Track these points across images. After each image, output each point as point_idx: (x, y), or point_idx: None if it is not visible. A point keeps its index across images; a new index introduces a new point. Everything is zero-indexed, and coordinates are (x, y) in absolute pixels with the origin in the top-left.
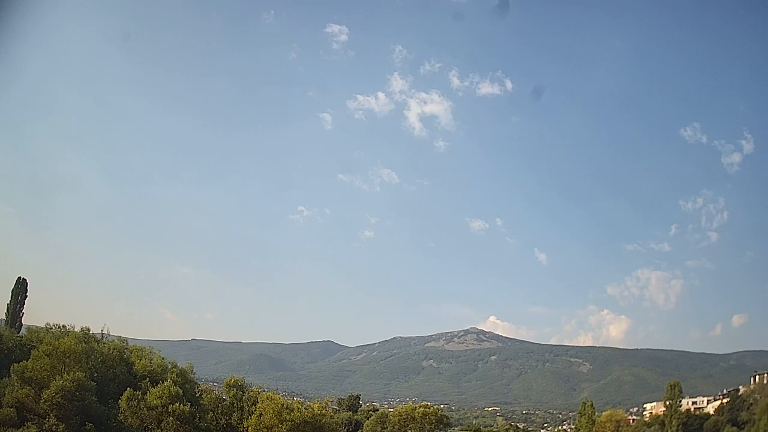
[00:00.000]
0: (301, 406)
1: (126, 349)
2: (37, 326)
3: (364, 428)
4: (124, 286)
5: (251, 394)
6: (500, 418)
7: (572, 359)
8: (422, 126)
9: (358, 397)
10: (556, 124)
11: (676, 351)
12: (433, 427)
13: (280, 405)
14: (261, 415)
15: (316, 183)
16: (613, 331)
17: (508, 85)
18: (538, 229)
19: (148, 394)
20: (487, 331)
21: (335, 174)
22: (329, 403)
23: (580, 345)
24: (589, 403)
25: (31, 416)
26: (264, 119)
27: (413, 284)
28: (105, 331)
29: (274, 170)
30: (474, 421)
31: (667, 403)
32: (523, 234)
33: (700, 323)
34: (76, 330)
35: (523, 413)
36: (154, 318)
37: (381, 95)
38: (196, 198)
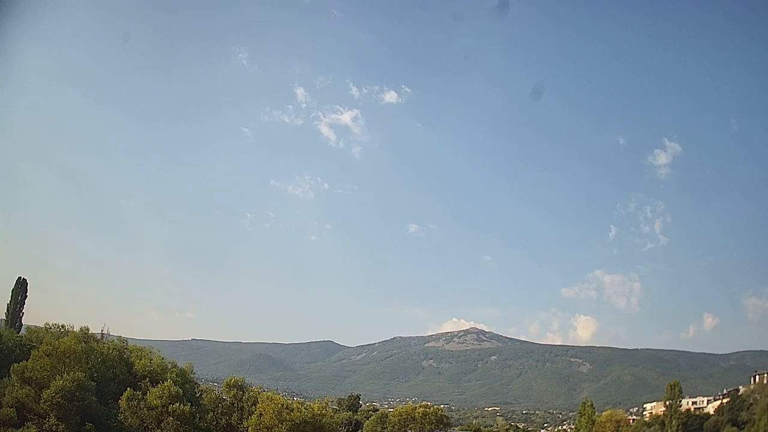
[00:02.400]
0: (301, 406)
1: (126, 349)
2: (37, 326)
3: (364, 428)
4: (124, 286)
5: (251, 394)
6: (500, 418)
7: (572, 359)
8: (336, 135)
9: (358, 397)
10: (457, 132)
11: (676, 351)
12: (433, 427)
13: (280, 405)
14: (261, 415)
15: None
16: (581, 332)
17: (409, 92)
18: (473, 233)
19: (148, 394)
20: (487, 331)
21: (268, 180)
22: (329, 403)
23: (581, 345)
24: (589, 403)
25: (31, 416)
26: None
27: (366, 286)
28: (105, 331)
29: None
30: (474, 421)
31: (667, 403)
32: (462, 237)
33: (670, 324)
34: (75, 330)
35: (523, 413)
36: (154, 318)
37: (290, 108)
38: (198, 197)
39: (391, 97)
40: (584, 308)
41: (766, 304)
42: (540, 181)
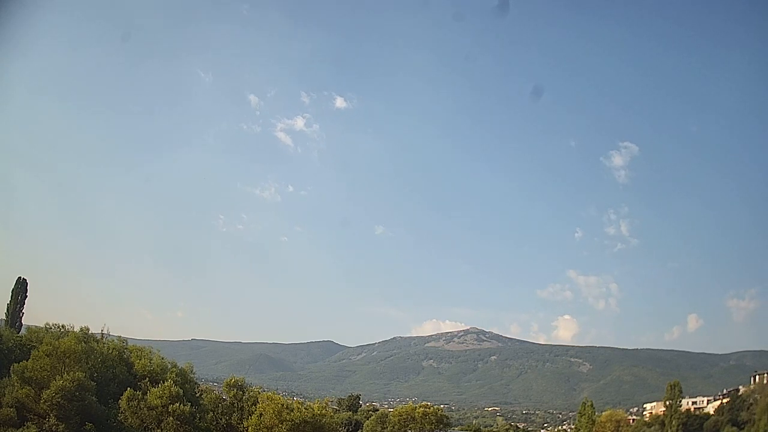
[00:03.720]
0: (301, 406)
1: (126, 349)
2: (37, 326)
3: (364, 428)
4: (121, 287)
5: (251, 394)
6: (500, 418)
7: (572, 359)
8: (293, 141)
9: (358, 397)
10: (405, 136)
11: (676, 351)
12: (433, 427)
13: (280, 405)
14: (261, 415)
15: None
16: (562, 332)
17: (356, 98)
18: (438, 233)
19: (148, 394)
20: (486, 331)
21: (235, 183)
22: (329, 403)
23: (581, 345)
24: (589, 403)
25: (31, 416)
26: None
27: (341, 288)
28: (105, 331)
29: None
30: (474, 421)
31: (667, 403)
32: (427, 238)
33: (653, 325)
34: (75, 330)
35: (523, 413)
36: (153, 318)
37: (246, 116)
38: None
39: (340, 102)
40: (562, 309)
41: (749, 305)
42: (498, 184)
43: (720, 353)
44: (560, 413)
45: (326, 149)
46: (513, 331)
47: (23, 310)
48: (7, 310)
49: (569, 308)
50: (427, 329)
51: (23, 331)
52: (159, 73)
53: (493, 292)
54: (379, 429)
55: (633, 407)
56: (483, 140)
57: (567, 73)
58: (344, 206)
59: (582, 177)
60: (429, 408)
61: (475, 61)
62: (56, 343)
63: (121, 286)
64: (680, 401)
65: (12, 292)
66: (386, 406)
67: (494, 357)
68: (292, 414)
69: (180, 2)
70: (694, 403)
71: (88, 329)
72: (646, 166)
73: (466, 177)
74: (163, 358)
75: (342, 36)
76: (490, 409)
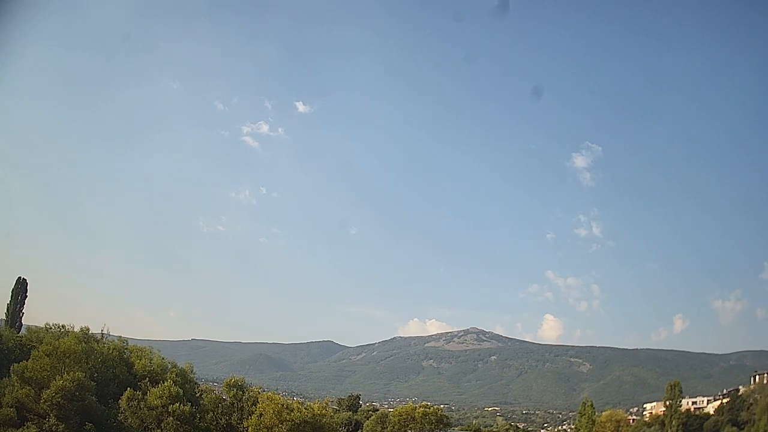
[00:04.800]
0: (301, 406)
1: (126, 349)
2: (37, 326)
3: (364, 428)
4: (123, 286)
5: (251, 394)
6: (500, 418)
7: (572, 359)
8: (261, 145)
9: (358, 397)
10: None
11: (676, 351)
12: (433, 427)
13: (280, 405)
14: (261, 415)
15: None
16: (547, 332)
17: (317, 102)
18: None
19: (148, 394)
20: (486, 330)
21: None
22: (329, 403)
23: (581, 345)
24: (589, 403)
25: (31, 416)
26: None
27: (319, 287)
28: (105, 331)
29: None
30: (474, 421)
31: (667, 403)
32: (398, 238)
33: (639, 326)
34: (75, 330)
35: (523, 413)
36: (153, 318)
37: (213, 122)
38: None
39: (302, 107)
40: (544, 309)
41: (736, 306)
42: (470, 182)
43: (720, 353)
44: (560, 413)
45: (294, 152)
46: (498, 330)
47: (23, 310)
48: (7, 310)
49: (551, 308)
50: (413, 330)
51: (23, 331)
52: (133, 82)
53: (473, 292)
54: (379, 429)
55: (633, 407)
56: (456, 138)
57: (569, 73)
58: (319, 206)
59: (546, 180)
60: (429, 408)
61: (475, 61)
62: (56, 343)
63: (112, 287)
64: (680, 401)
65: (12, 292)
66: (386, 406)
67: (494, 357)
68: (292, 414)
69: (145, 21)
70: (694, 403)
71: (88, 329)
72: (609, 168)
73: (439, 174)
74: (163, 358)
75: (297, 46)
76: (490, 409)
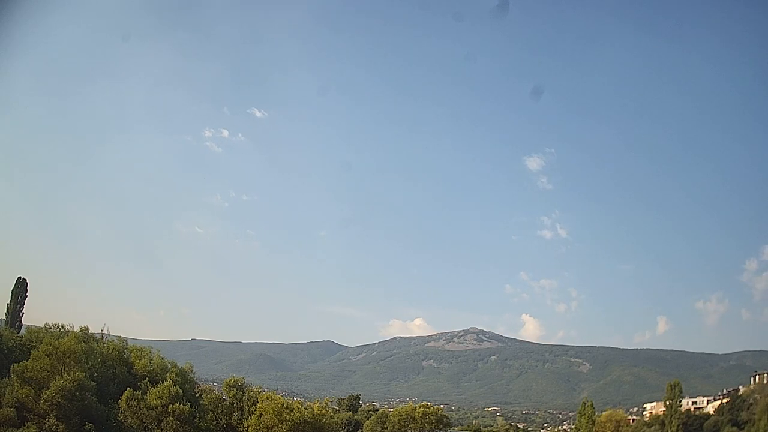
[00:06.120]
0: (301, 406)
1: (126, 349)
2: (36, 326)
3: (364, 428)
4: (123, 286)
5: (251, 394)
6: (500, 418)
7: (572, 359)
8: (224, 150)
9: (358, 397)
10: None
11: (676, 351)
12: (433, 427)
13: (280, 405)
14: (261, 415)
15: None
16: (530, 331)
17: (270, 109)
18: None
19: (148, 394)
20: (487, 330)
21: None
22: (329, 403)
23: (581, 345)
24: (589, 403)
25: (31, 416)
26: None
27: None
28: (105, 331)
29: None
30: (474, 421)
31: (667, 403)
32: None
33: (621, 328)
34: (75, 330)
35: (523, 413)
36: (153, 318)
37: (175, 128)
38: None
39: (259, 113)
40: (521, 309)
41: (719, 308)
42: (428, 187)
43: (720, 353)
44: (560, 413)
45: (252, 156)
46: (499, 330)
47: (23, 310)
48: (7, 310)
49: (528, 309)
50: (394, 330)
51: (23, 331)
52: (101, 91)
53: (462, 291)
54: (379, 429)
55: (633, 407)
56: (456, 138)
57: (570, 73)
58: (294, 208)
59: (503, 183)
60: (429, 408)
61: (475, 61)
62: (56, 343)
63: (101, 286)
64: (680, 401)
65: (12, 292)
66: (386, 406)
67: (494, 357)
68: (292, 414)
69: (108, 39)
70: (694, 403)
71: (87, 329)
72: (569, 168)
73: (437, 173)
74: (163, 358)
75: (249, 54)
76: (490, 409)
